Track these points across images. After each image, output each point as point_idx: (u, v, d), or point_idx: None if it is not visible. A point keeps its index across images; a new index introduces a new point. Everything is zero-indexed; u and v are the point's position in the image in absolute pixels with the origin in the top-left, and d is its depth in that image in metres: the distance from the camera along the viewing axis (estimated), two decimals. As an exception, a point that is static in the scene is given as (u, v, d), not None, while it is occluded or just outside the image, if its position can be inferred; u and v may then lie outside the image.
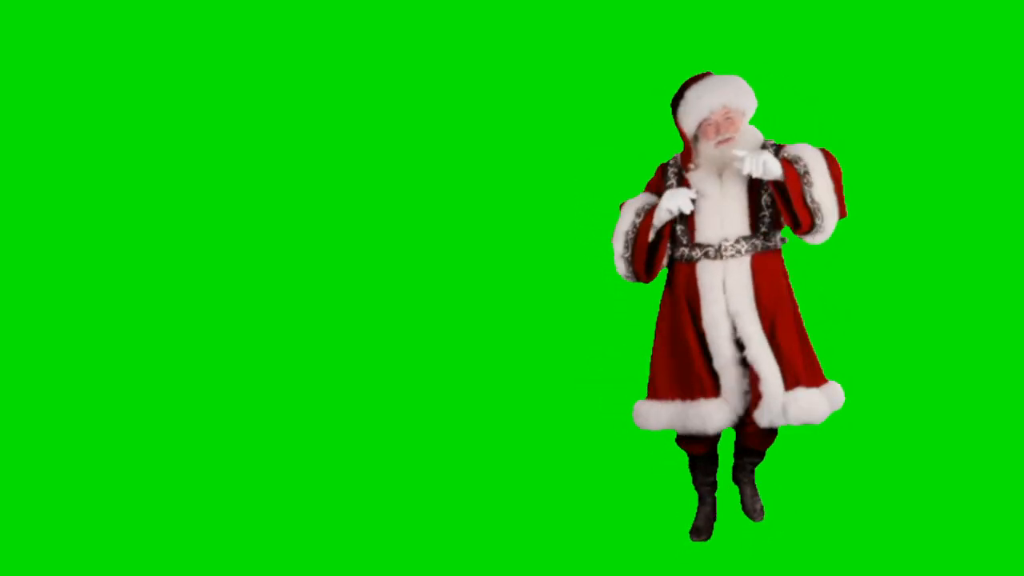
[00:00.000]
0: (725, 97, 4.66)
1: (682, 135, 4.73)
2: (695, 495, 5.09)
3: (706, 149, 4.69)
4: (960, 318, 6.26)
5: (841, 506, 5.10)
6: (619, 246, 4.79)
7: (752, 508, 4.97)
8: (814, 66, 6.28)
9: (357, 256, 6.59)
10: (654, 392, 4.81)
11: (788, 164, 4.57)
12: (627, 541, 4.92)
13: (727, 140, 4.65)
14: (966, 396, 5.93)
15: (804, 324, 4.78)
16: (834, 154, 4.66)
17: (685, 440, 4.86)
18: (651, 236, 4.74)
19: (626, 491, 5.41)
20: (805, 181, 4.55)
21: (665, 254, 4.79)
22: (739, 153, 4.57)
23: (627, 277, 4.86)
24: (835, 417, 5.39)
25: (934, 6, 6.34)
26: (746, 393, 4.69)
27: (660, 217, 4.72)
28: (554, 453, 5.83)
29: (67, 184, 6.54)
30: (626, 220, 4.78)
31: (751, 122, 4.78)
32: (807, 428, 4.92)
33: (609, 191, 5.48)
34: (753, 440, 4.82)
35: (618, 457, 5.71)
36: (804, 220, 4.60)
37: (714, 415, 4.69)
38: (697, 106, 4.66)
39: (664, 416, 4.77)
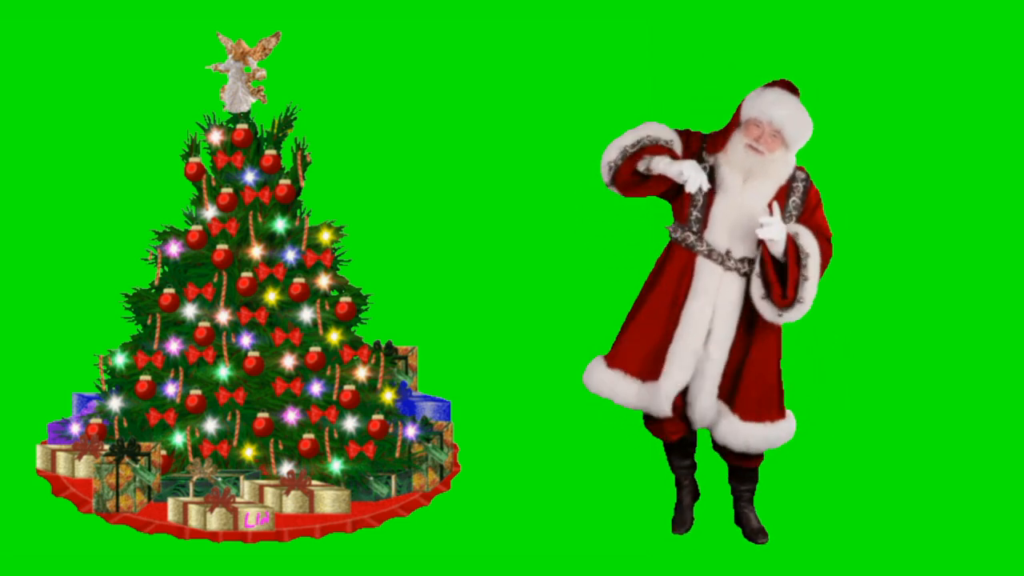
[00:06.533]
0: (790, 122, 4.65)
1: (735, 115, 4.73)
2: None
3: (737, 142, 4.68)
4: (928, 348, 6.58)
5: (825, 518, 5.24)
6: (613, 153, 4.77)
7: (756, 531, 5.02)
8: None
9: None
10: (615, 359, 4.87)
11: (793, 250, 4.64)
12: (609, 525, 5.12)
13: (757, 151, 4.65)
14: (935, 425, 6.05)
15: (781, 359, 4.86)
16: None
17: (654, 425, 4.95)
18: (642, 167, 4.72)
19: (608, 470, 5.53)
20: (801, 275, 4.63)
21: (643, 191, 4.79)
22: (775, 208, 4.62)
23: (606, 180, 4.81)
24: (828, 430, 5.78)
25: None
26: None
27: (668, 170, 4.68)
28: (532, 433, 5.89)
29: None
30: (633, 136, 4.76)
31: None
32: (800, 445, 5.20)
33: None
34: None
35: (594, 435, 5.83)
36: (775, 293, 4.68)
37: (665, 397, 4.79)
38: (768, 105, 4.65)
39: (628, 392, 4.84)
